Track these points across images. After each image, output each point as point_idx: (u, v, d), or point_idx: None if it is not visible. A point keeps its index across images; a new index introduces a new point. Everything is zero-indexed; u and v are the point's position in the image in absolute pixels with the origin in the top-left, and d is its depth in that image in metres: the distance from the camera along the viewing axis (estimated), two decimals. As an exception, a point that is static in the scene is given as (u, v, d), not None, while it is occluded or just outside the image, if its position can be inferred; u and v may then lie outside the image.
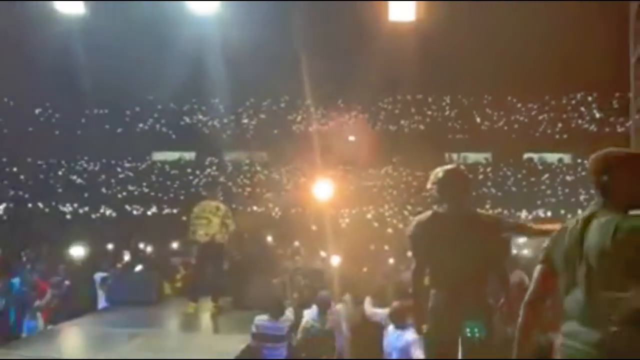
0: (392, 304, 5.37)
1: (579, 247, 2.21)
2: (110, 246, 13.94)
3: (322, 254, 9.92)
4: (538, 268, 2.40)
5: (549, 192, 28.77)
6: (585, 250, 2.17)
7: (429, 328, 3.37)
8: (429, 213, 3.46)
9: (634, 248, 2.06)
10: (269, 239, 14.44)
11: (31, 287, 7.87)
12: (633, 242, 2.07)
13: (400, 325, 5.08)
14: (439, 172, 3.54)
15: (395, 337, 5.06)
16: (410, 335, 4.96)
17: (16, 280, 7.67)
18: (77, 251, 11.24)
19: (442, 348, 3.33)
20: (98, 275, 8.65)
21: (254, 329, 5.64)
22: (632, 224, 2.11)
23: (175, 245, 13.56)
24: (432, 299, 3.35)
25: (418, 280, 3.51)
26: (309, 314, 5.78)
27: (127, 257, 11.17)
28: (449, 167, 3.59)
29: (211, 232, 7.18)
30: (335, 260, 9.08)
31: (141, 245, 14.19)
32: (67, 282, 8.23)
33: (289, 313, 5.79)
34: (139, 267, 9.73)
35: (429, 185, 3.61)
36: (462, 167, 3.57)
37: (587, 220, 2.25)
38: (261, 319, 5.64)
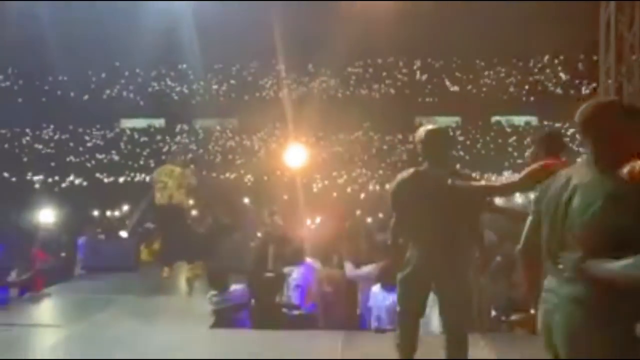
0: (378, 264, 5.48)
1: (559, 202, 2.18)
2: (96, 212, 13.85)
3: (300, 218, 10.05)
4: (529, 219, 2.39)
5: (516, 154, 29.36)
6: (565, 207, 2.15)
7: (403, 277, 3.52)
8: (410, 170, 3.57)
9: (615, 215, 2.01)
10: (246, 201, 14.48)
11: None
12: (613, 210, 2.02)
13: (388, 286, 5.19)
14: (421, 131, 3.64)
15: (382, 298, 5.17)
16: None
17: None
18: (47, 216, 11.02)
19: (412, 301, 3.50)
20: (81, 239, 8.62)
21: (211, 306, 5.61)
22: (614, 191, 2.03)
23: (148, 211, 13.50)
24: (409, 252, 3.51)
25: (395, 235, 3.65)
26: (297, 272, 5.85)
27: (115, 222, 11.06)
28: (430, 127, 3.68)
29: (166, 195, 7.21)
30: (310, 224, 9.22)
31: (117, 213, 14.11)
32: (63, 254, 8.19)
33: (238, 285, 5.75)
34: (121, 233, 9.72)
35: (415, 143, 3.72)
36: (444, 127, 3.67)
37: (572, 176, 2.19)
38: (211, 294, 5.62)
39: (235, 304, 5.47)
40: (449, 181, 3.28)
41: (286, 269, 6.02)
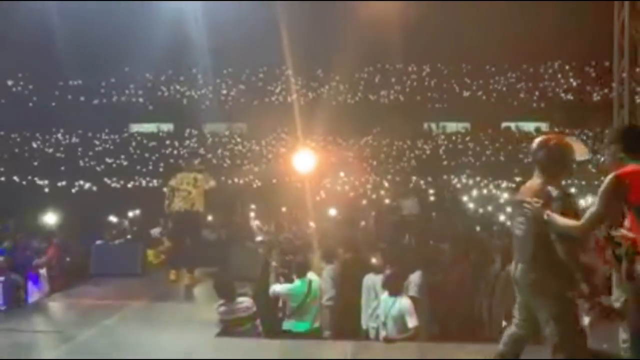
0: (385, 272, 5.41)
1: None
2: (111, 217, 13.87)
3: (311, 224, 9.99)
4: None
5: (526, 160, 29.17)
6: None
7: None
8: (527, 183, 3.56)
9: None
10: (252, 208, 14.46)
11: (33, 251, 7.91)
12: None
13: (395, 292, 5.13)
14: (532, 144, 3.52)
15: (390, 305, 5.10)
16: (404, 302, 5.04)
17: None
18: (51, 218, 11.02)
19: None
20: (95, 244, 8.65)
21: (218, 316, 5.52)
22: None
23: (156, 216, 13.43)
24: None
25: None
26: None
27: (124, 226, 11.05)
28: (540, 140, 3.50)
29: (189, 203, 7.20)
30: (319, 228, 9.16)
31: (126, 217, 14.09)
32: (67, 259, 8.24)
33: (245, 297, 5.66)
34: (127, 238, 9.69)
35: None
36: (558, 141, 3.42)
37: None
38: (219, 304, 5.52)
39: (241, 317, 5.38)
40: (545, 216, 3.17)
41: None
